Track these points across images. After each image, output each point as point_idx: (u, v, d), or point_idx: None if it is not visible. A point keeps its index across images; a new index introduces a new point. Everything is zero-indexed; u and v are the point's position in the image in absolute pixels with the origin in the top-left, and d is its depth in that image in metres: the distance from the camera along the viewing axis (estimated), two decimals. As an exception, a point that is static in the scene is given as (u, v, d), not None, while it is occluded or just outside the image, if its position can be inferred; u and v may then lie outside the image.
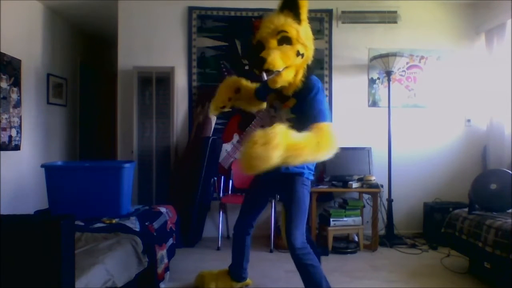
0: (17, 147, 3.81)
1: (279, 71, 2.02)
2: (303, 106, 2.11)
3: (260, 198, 2.51)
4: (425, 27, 4.31)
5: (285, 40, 2.04)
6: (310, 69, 2.18)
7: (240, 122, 4.17)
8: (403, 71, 4.28)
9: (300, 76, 2.13)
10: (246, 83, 2.58)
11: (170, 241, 2.93)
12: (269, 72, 2.00)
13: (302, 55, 2.09)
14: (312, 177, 2.31)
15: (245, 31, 4.15)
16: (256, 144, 1.71)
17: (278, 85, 2.09)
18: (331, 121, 2.06)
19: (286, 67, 2.04)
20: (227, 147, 4.17)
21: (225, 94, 2.52)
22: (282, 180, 2.25)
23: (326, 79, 4.24)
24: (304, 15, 2.09)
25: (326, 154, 1.91)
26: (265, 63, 1.96)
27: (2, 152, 3.58)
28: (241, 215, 2.53)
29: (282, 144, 1.74)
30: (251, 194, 2.53)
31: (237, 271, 2.61)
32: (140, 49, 4.18)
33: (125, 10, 4.18)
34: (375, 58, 4.00)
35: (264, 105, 2.63)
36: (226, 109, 2.59)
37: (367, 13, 4.24)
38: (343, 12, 4.23)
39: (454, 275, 2.99)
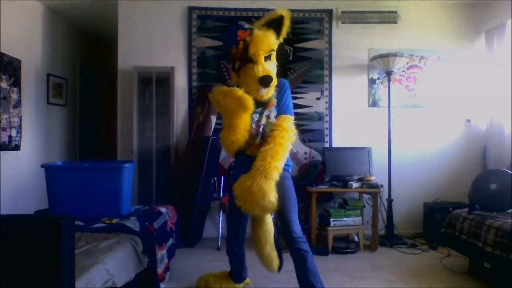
0: (17, 147, 3.81)
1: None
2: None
3: None
4: (425, 27, 4.31)
5: (270, 56, 2.26)
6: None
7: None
8: (403, 71, 4.28)
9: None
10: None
11: (170, 241, 2.92)
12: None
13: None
14: (288, 166, 2.38)
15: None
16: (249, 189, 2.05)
17: (268, 96, 2.30)
18: (293, 114, 2.34)
19: None
20: (227, 147, 4.16)
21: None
22: None
23: (326, 79, 4.24)
24: (284, 32, 2.30)
25: (288, 146, 2.23)
26: (271, 80, 2.20)
27: (2, 152, 3.58)
28: (230, 229, 2.54)
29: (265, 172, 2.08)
30: (234, 205, 2.26)
31: (238, 275, 2.64)
32: (140, 49, 4.18)
33: (125, 10, 4.18)
34: (375, 58, 4.00)
35: None
36: None
37: (367, 13, 4.24)
38: (343, 12, 4.23)
39: (454, 275, 2.99)
